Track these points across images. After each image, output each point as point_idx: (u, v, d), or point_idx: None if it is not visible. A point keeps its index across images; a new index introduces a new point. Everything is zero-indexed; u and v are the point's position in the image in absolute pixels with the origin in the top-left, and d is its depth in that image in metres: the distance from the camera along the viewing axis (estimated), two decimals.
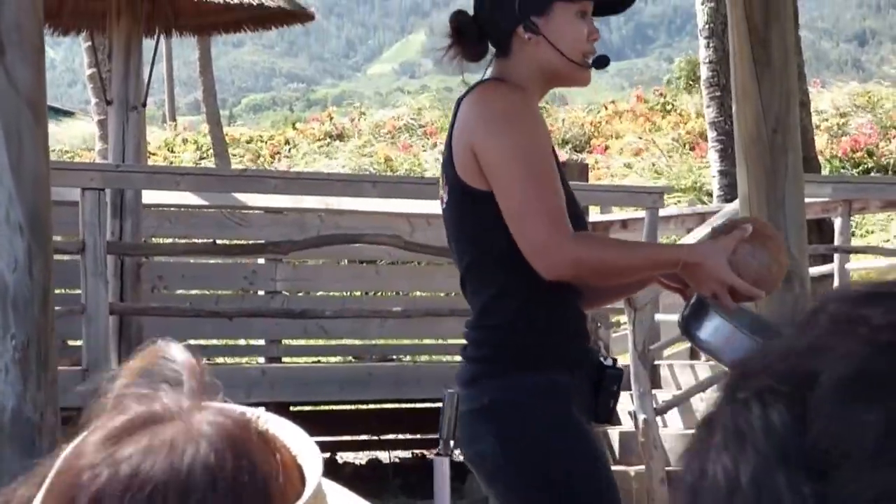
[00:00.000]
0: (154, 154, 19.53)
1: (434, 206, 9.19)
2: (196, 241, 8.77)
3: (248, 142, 22.06)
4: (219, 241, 8.61)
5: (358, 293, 9.79)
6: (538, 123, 3.04)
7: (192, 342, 9.33)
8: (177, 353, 1.00)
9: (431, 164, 18.69)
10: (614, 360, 3.13)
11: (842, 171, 17.21)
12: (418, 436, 9.99)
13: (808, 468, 0.70)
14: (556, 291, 2.97)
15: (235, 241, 8.72)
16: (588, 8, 3.09)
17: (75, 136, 26.43)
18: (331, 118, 22.55)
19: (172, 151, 21.64)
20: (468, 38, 3.10)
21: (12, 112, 3.25)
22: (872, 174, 16.84)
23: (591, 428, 3.04)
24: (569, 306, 3.04)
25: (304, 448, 0.96)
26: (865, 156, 17.82)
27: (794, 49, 3.98)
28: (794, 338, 0.76)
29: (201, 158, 20.83)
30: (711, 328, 2.85)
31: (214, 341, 9.28)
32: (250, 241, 8.59)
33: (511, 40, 3.07)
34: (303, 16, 9.10)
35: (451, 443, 2.98)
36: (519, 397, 2.95)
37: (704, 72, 11.30)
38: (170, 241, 9.04)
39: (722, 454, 0.73)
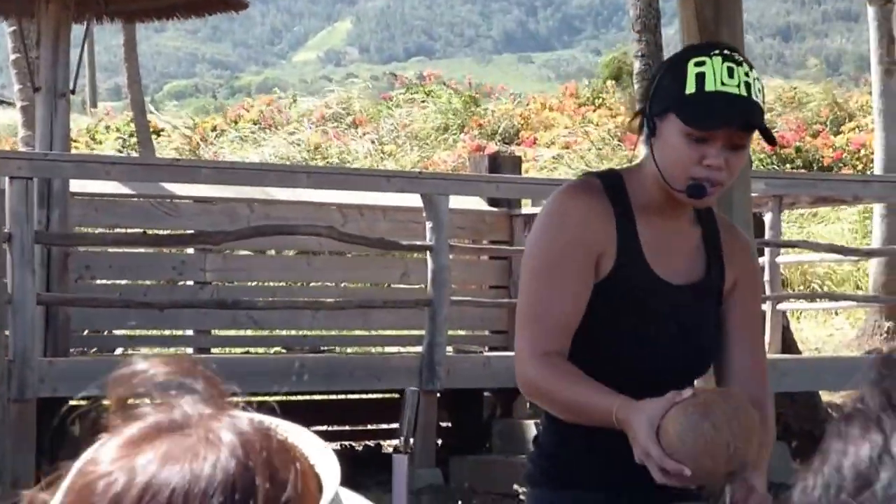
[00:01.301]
0: (76, 141, 19.22)
1: (366, 197, 9.23)
2: (126, 231, 8.66)
3: (173, 129, 21.83)
4: (148, 232, 8.50)
5: (283, 284, 9.72)
6: (570, 233, 2.71)
7: (118, 333, 9.26)
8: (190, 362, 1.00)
9: (361, 154, 18.64)
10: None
11: (769, 166, 17.43)
12: (346, 427, 9.97)
13: None
14: None
15: (165, 232, 8.61)
16: (708, 136, 2.65)
17: None
18: (267, 106, 22.29)
19: (94, 139, 21.37)
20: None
21: None
22: (799, 170, 17.09)
23: None
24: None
25: (321, 457, 0.97)
26: (793, 152, 18.09)
27: (743, 49, 3.98)
28: None
29: (124, 146, 20.57)
30: None
31: (141, 332, 9.17)
32: (181, 232, 8.49)
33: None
34: (236, 4, 9.01)
35: (411, 440, 2.96)
36: None
37: (637, 65, 11.34)
38: (98, 230, 8.92)
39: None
